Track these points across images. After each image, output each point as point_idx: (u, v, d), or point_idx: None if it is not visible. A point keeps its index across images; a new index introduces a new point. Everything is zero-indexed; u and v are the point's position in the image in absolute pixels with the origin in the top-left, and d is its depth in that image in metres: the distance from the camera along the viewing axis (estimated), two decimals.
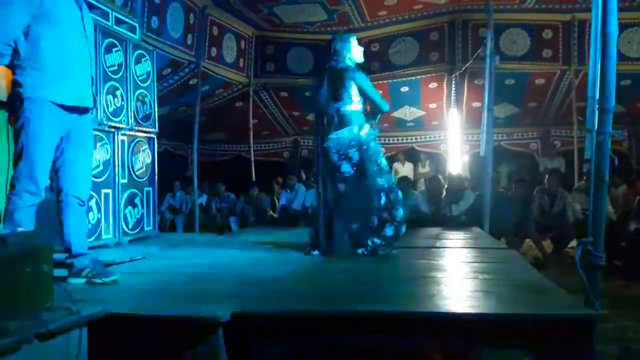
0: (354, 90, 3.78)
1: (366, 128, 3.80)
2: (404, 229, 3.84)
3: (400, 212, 3.78)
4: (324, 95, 3.86)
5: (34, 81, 2.60)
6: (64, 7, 2.69)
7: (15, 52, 2.59)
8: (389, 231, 3.73)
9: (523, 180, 7.15)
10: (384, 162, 3.87)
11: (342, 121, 3.76)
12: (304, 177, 9.71)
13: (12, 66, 2.64)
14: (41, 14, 2.58)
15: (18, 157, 2.60)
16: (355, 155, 3.74)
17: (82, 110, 2.79)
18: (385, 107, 3.98)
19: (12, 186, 2.62)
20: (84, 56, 2.78)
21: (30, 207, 2.62)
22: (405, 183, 6.83)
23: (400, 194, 3.84)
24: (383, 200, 3.74)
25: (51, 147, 2.68)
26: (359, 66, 3.93)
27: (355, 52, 3.91)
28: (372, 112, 3.97)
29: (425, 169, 10.58)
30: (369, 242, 3.69)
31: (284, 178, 9.07)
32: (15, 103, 2.62)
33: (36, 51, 2.59)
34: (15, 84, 2.63)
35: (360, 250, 3.69)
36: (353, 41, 3.93)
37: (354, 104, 3.79)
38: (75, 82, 2.72)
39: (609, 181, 2.28)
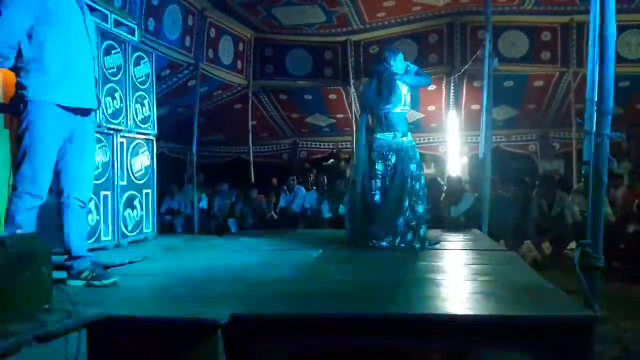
0: (403, 92, 4.27)
1: (409, 136, 4.34)
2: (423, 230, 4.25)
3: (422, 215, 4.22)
4: (371, 96, 4.35)
5: (38, 83, 2.59)
6: (67, 9, 2.69)
7: (19, 54, 2.59)
8: (422, 231, 4.20)
9: (523, 182, 7.14)
10: (416, 168, 4.28)
11: (390, 123, 4.26)
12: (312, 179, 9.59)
13: (15, 69, 2.63)
14: (44, 15, 2.58)
15: (21, 159, 2.59)
16: (392, 158, 4.22)
17: (85, 112, 2.79)
18: (428, 80, 4.76)
19: (14, 188, 2.61)
20: (87, 57, 2.78)
21: (31, 209, 2.61)
22: None
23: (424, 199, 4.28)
24: (407, 203, 4.15)
25: (54, 149, 2.68)
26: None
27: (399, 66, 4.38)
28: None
29: (430, 170, 10.59)
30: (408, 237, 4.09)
31: (283, 180, 9.04)
32: (18, 105, 2.62)
33: (40, 53, 2.58)
34: (18, 86, 2.63)
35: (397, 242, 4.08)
36: (400, 57, 4.43)
37: (400, 106, 4.29)
38: (78, 83, 2.71)
39: (608, 183, 2.28)
